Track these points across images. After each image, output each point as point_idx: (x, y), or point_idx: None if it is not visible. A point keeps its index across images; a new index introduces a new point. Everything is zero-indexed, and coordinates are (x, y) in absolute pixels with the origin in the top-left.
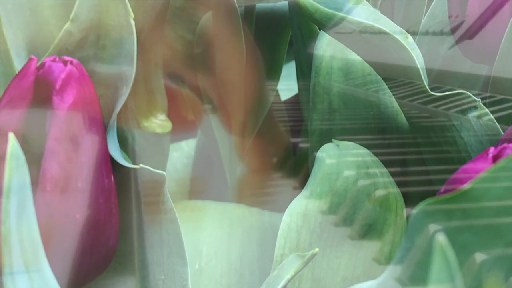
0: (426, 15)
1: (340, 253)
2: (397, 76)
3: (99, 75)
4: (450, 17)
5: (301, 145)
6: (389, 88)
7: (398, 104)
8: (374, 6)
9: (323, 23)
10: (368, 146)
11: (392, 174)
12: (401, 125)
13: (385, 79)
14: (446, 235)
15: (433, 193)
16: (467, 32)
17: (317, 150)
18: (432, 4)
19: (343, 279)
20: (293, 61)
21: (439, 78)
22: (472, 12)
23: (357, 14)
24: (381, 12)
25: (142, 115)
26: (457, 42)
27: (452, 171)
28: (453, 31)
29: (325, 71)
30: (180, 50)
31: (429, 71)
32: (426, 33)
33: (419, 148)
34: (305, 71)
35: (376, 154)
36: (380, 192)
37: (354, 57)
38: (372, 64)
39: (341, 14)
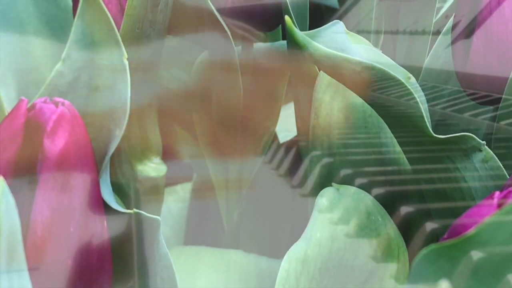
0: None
1: None
2: (399, 119)
3: (91, 117)
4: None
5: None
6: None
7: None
8: (376, 45)
9: (323, 63)
10: (369, 190)
11: (394, 219)
12: (403, 169)
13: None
14: (450, 282)
15: (436, 238)
16: (463, 33)
17: (316, 194)
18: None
19: None
20: (292, 102)
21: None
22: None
23: (357, 54)
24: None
25: (136, 158)
26: (454, 41)
27: (456, 216)
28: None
29: (325, 113)
30: (175, 91)
31: (451, 73)
32: (447, 32)
33: (421, 191)
34: (304, 112)
35: (377, 198)
36: (381, 238)
37: (355, 98)
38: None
39: (341, 54)
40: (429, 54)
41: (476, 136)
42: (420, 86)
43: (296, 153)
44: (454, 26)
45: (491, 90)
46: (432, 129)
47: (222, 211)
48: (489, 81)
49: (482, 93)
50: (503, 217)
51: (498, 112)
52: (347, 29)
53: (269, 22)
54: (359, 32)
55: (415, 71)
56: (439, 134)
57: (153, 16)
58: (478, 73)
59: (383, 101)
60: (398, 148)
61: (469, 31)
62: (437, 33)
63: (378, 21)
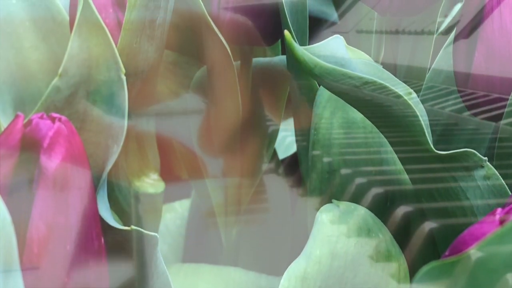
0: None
1: None
2: (399, 133)
3: (88, 133)
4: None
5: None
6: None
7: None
8: (377, 60)
9: (323, 78)
10: (369, 207)
11: (395, 236)
12: (404, 185)
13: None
14: None
15: (438, 255)
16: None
17: (316, 210)
18: None
19: None
20: (291, 118)
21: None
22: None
23: (358, 69)
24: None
25: (134, 174)
26: (455, 59)
27: (458, 233)
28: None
29: (325, 129)
30: (173, 106)
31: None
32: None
33: (422, 208)
34: (304, 128)
35: (377, 215)
36: (382, 255)
37: (355, 114)
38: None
39: (341, 69)
40: (432, 65)
41: (483, 137)
42: (424, 87)
43: (296, 168)
44: (455, 40)
45: (495, 107)
46: (438, 133)
47: (220, 228)
48: (491, 92)
49: (484, 98)
50: (505, 234)
51: (505, 110)
52: (347, 28)
53: (268, 36)
54: (359, 32)
55: (419, 72)
56: (446, 137)
57: (151, 30)
58: (480, 90)
59: (384, 115)
60: (399, 165)
61: (470, 42)
62: (437, 33)
63: (378, 21)
